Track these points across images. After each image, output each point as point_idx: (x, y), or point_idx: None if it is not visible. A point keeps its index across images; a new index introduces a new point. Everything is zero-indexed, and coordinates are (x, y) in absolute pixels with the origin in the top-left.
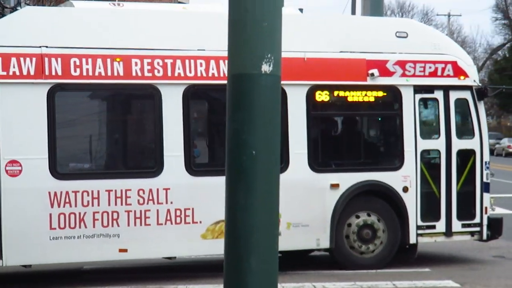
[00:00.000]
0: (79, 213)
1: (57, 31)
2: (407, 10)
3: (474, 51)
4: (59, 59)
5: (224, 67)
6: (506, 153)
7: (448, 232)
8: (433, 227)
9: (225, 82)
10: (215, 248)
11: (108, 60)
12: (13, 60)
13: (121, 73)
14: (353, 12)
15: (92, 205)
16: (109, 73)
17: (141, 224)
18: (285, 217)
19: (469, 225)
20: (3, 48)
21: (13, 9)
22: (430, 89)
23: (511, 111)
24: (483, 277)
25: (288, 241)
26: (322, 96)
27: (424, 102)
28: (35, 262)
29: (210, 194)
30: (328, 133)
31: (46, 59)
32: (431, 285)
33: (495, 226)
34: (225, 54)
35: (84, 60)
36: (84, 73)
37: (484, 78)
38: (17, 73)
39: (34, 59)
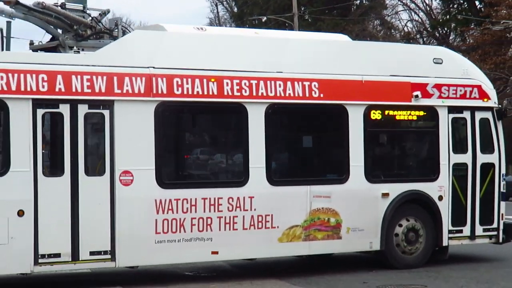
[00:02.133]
0: (180, 219)
1: (162, 53)
2: (126, 25)
3: None
4: (164, 79)
5: (298, 88)
6: None
7: (472, 236)
8: (461, 231)
9: (300, 101)
10: (288, 250)
11: (205, 80)
12: (126, 79)
13: (215, 92)
14: None
15: (190, 212)
16: (205, 92)
17: (230, 229)
18: (345, 222)
19: (488, 230)
20: (119, 68)
21: (110, 31)
22: (460, 109)
23: None
24: None
25: (347, 244)
26: (376, 115)
27: (455, 121)
28: (142, 264)
29: (287, 202)
30: (380, 148)
31: (154, 79)
32: None
33: (509, 230)
34: (299, 76)
35: (185, 80)
36: (185, 92)
37: None
38: (130, 91)
39: (143, 78)
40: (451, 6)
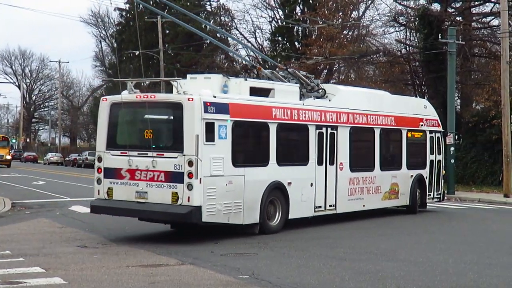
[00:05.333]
0: (355, 188)
1: (348, 101)
2: (28, 57)
3: (80, 90)
4: (351, 115)
5: (387, 120)
6: None
7: (433, 198)
8: (430, 195)
9: (388, 127)
10: (384, 204)
11: (363, 115)
12: (342, 115)
13: (365, 121)
14: None
15: (357, 184)
16: (363, 121)
17: (369, 193)
18: (400, 190)
19: (438, 194)
20: (338, 109)
21: (318, 88)
22: (432, 132)
23: None
24: (65, 263)
25: (399, 201)
26: (409, 134)
27: (430, 138)
28: (343, 211)
29: (384, 179)
30: (410, 151)
31: (349, 115)
32: (21, 271)
33: (443, 195)
34: (385, 113)
35: (357, 115)
36: (359, 121)
37: (87, 110)
38: (342, 121)
39: (346, 114)
40: (277, 45)
